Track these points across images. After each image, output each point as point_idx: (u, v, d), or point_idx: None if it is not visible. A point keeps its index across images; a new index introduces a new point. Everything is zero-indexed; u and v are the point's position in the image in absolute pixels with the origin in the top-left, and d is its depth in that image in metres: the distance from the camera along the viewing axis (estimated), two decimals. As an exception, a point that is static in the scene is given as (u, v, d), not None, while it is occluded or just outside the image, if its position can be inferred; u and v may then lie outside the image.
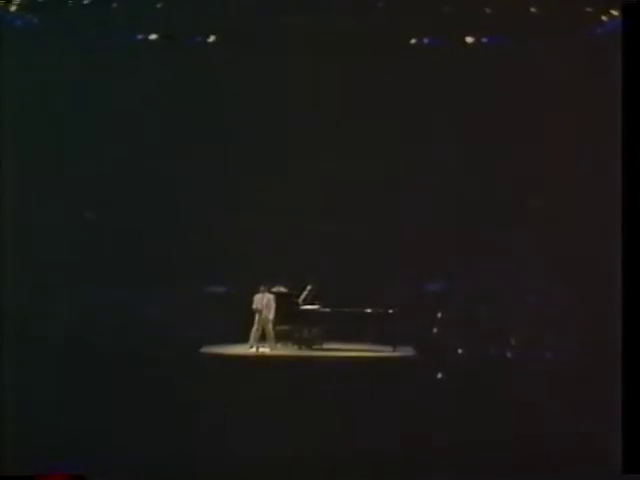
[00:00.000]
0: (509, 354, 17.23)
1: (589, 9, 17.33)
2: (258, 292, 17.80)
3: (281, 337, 18.20)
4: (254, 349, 17.64)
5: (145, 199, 19.22)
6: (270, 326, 17.85)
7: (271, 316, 17.80)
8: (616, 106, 11.78)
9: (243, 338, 17.73)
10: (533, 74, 18.46)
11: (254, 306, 17.72)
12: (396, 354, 17.40)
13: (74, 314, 17.76)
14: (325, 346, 18.19)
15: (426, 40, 19.25)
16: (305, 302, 18.14)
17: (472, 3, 17.60)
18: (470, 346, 17.20)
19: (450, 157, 19.46)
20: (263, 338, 17.85)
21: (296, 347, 18.13)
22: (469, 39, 18.94)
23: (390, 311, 17.91)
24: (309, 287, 18.20)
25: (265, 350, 17.66)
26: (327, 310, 18.09)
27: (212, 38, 19.04)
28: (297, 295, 18.20)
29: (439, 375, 15.44)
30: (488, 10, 17.60)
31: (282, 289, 18.52)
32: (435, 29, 18.74)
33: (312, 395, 13.69)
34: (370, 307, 18.02)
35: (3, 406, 12.32)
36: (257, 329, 17.78)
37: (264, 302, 17.78)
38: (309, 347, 18.09)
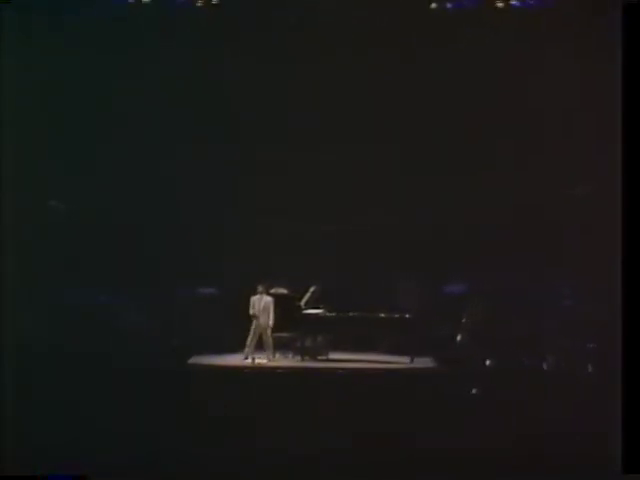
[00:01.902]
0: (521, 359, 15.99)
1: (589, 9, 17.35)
2: (255, 294, 16.54)
3: (281, 346, 16.94)
4: (250, 360, 16.36)
5: (143, 194, 19.14)
6: (268, 333, 16.51)
7: (269, 321, 16.45)
8: (616, 106, 11.80)
9: (238, 346, 16.59)
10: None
11: (250, 310, 16.42)
12: (414, 365, 16.16)
13: (73, 315, 17.75)
14: (331, 356, 16.88)
15: (449, 5, 18.33)
16: (308, 305, 16.76)
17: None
18: (498, 356, 15.81)
19: (467, 148, 18.79)
20: (260, 347, 16.55)
21: (298, 357, 16.80)
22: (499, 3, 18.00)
23: (407, 316, 16.52)
24: (313, 288, 16.87)
25: (262, 361, 16.41)
26: (334, 315, 16.70)
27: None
28: (299, 297, 16.86)
29: (463, 389, 13.83)
30: None
31: (282, 290, 17.29)
32: None
33: (316, 412, 12.53)
34: (383, 311, 16.63)
35: (3, 406, 12.32)
36: (253, 337, 16.46)
37: (261, 305, 16.45)
38: (313, 357, 16.78)
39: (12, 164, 14.58)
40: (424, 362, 16.38)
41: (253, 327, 16.55)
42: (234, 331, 16.97)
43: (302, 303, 16.87)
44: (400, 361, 16.46)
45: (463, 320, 17.17)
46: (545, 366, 15.87)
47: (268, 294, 16.74)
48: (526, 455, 11.44)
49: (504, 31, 18.33)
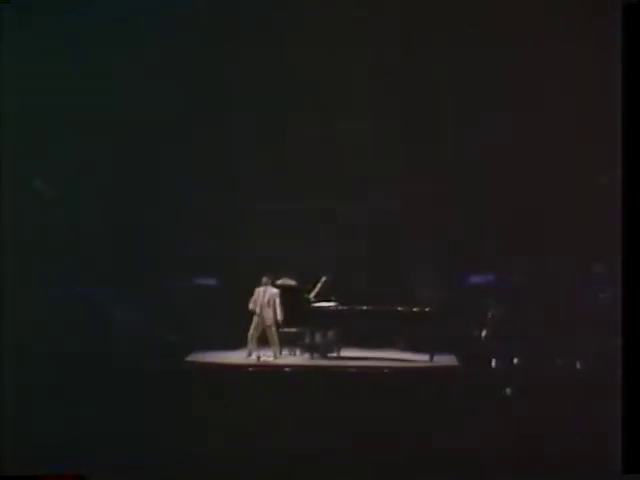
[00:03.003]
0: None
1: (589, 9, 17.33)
2: (259, 285, 15.74)
3: (288, 342, 16.22)
4: (254, 357, 15.71)
5: (142, 192, 19.10)
6: (273, 328, 15.75)
7: (275, 316, 15.69)
8: (616, 106, 11.82)
9: (241, 342, 15.99)
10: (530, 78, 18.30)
11: (251, 304, 15.70)
12: (434, 364, 15.41)
13: (73, 314, 17.75)
14: (343, 354, 16.14)
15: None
16: (318, 298, 15.97)
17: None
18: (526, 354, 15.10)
19: (472, 147, 18.41)
20: (265, 343, 15.87)
21: (307, 355, 16.11)
22: None
23: (426, 309, 15.68)
24: (323, 279, 16.05)
25: (268, 359, 15.74)
26: (346, 308, 15.83)
27: None
28: (308, 289, 16.09)
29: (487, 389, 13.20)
30: None
31: (289, 281, 16.52)
32: None
33: (326, 415, 12.02)
34: (400, 305, 15.70)
35: (3, 406, 12.35)
36: (255, 331, 15.73)
37: (266, 298, 15.66)
38: (323, 355, 16.04)
39: (12, 164, 14.60)
40: (445, 360, 15.64)
41: (255, 321, 15.87)
42: (238, 326, 16.25)
43: (312, 295, 16.13)
44: (419, 359, 15.74)
45: (489, 315, 16.48)
46: (545, 366, 15.82)
47: (274, 285, 16.02)
48: (526, 455, 11.44)
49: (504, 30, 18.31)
